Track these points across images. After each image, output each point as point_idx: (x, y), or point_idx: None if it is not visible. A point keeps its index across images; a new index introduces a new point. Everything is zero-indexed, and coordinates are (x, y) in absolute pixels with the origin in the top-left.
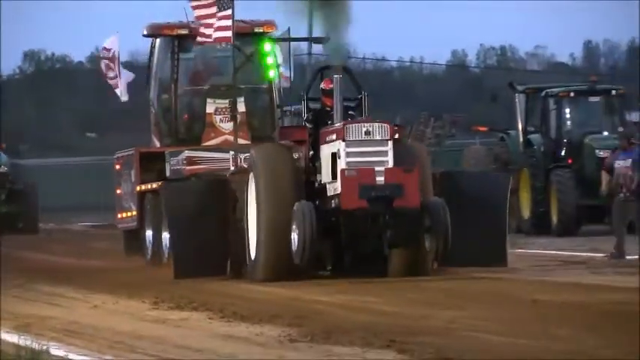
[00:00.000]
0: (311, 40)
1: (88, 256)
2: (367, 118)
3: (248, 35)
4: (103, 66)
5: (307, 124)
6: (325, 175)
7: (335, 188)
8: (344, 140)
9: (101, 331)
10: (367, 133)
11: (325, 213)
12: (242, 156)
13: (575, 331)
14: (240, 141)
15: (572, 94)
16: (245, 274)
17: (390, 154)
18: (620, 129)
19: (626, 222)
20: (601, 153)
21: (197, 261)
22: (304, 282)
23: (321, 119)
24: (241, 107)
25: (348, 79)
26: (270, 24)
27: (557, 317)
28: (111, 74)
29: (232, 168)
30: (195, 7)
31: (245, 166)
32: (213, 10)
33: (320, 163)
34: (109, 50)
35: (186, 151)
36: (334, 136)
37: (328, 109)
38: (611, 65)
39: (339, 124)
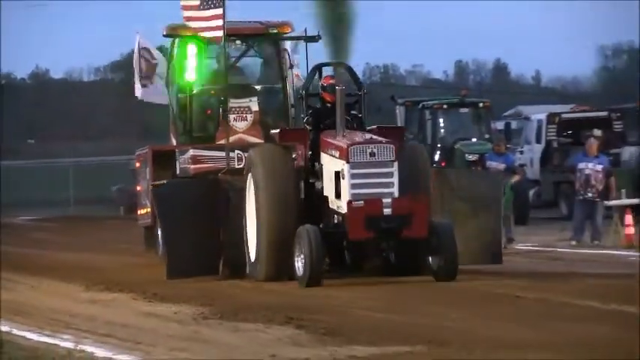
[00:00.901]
0: (305, 38)
1: (30, 245)
2: (371, 138)
3: (263, 36)
4: (141, 63)
5: (307, 126)
6: (327, 189)
7: (339, 206)
8: (348, 162)
9: (40, 309)
10: (372, 154)
11: (329, 236)
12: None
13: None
14: (254, 139)
15: (445, 106)
16: (239, 273)
17: (396, 174)
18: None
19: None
20: (470, 157)
21: (190, 261)
22: None
23: (322, 116)
24: (254, 107)
25: (348, 75)
26: (286, 25)
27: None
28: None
29: (238, 166)
30: (185, 8)
31: (237, 166)
32: (204, 12)
33: (321, 167)
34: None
35: (191, 150)
36: (337, 154)
37: (329, 104)
38: (478, 81)
39: (342, 142)
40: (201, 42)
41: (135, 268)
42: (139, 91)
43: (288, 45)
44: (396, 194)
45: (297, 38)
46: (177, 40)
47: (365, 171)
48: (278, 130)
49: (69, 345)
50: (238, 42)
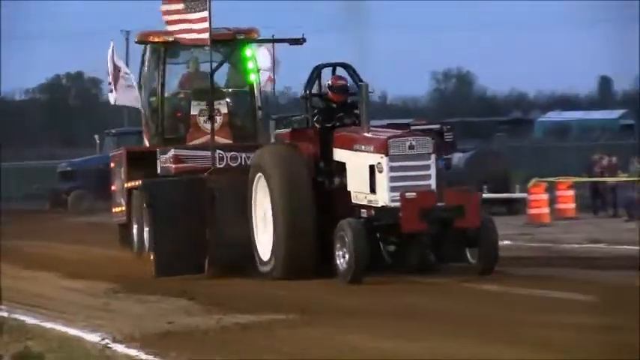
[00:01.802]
0: (289, 41)
1: None
2: (409, 131)
3: (231, 41)
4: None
5: (316, 124)
6: (354, 184)
7: (373, 200)
8: (387, 155)
9: None
10: (411, 147)
11: (373, 229)
12: (228, 155)
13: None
14: (222, 141)
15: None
16: (227, 271)
17: (433, 168)
18: None
19: None
20: None
21: (178, 259)
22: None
23: (327, 117)
24: (223, 109)
25: (347, 75)
26: (253, 30)
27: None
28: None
29: (219, 166)
30: (166, 13)
31: (220, 165)
32: (189, 15)
33: (337, 164)
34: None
35: (173, 150)
36: (371, 148)
37: (334, 105)
38: None
39: (379, 136)
40: (167, 47)
41: (57, 250)
42: (112, 95)
43: (260, 50)
44: (434, 187)
45: (282, 41)
46: (148, 46)
47: (404, 164)
48: (288, 130)
49: (4, 314)
50: (207, 48)
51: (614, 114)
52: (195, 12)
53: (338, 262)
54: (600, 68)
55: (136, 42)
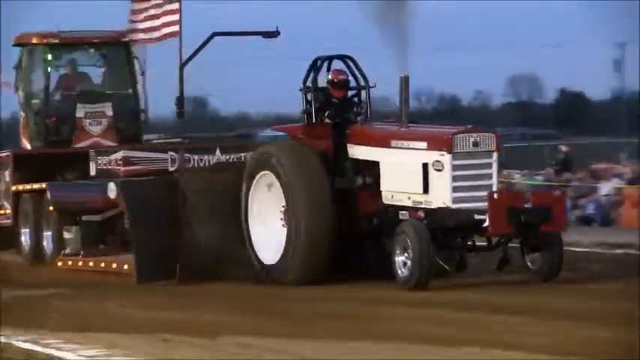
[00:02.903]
0: (262, 34)
1: None
2: (471, 127)
3: (115, 44)
4: None
5: (329, 120)
6: (397, 184)
7: (428, 202)
8: (451, 152)
9: None
10: (475, 144)
11: (435, 232)
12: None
13: None
14: (108, 143)
15: None
16: (199, 275)
17: (495, 166)
18: None
19: None
20: None
21: (159, 264)
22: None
23: (329, 112)
24: (108, 112)
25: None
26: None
27: None
28: None
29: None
30: (135, 12)
31: (188, 166)
32: (157, 10)
33: (350, 164)
34: None
35: (122, 151)
36: (424, 144)
37: (335, 100)
38: None
39: (440, 131)
40: (49, 50)
41: None
42: None
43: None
44: (495, 187)
45: (256, 33)
46: (26, 48)
47: (468, 162)
48: (300, 125)
49: None
50: (92, 50)
51: None
52: (164, 5)
53: (398, 268)
54: None
55: (13, 45)
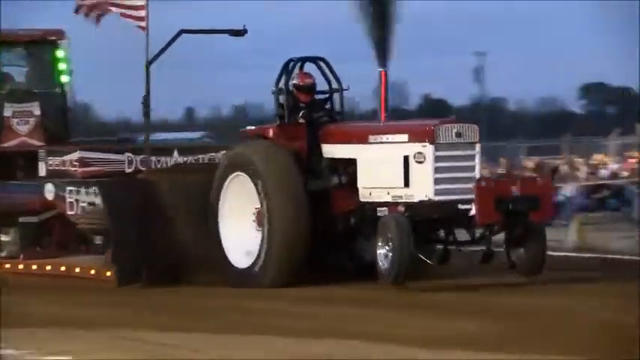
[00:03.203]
0: (230, 32)
1: None
2: (454, 118)
3: (41, 42)
4: None
5: (302, 120)
6: (375, 180)
7: (410, 195)
8: (433, 143)
9: None
10: (458, 134)
11: (418, 225)
12: (138, 158)
13: None
14: (36, 143)
15: None
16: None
17: (478, 158)
18: None
19: None
20: None
21: (139, 266)
22: None
23: (296, 115)
24: (36, 111)
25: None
26: (60, 32)
27: None
28: None
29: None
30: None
31: (145, 167)
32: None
33: (325, 164)
34: None
35: (79, 152)
36: (405, 137)
37: (302, 104)
38: None
39: (421, 123)
40: None
41: None
42: None
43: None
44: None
45: (223, 32)
46: None
47: (451, 153)
48: (274, 125)
49: None
50: (19, 49)
51: (196, 134)
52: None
53: (379, 260)
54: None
55: None
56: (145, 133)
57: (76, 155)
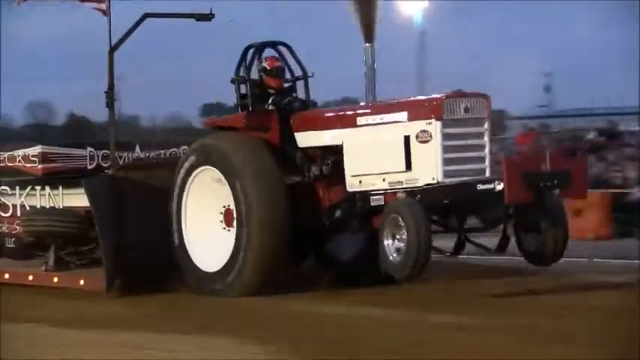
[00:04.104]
0: (196, 16)
1: None
2: (461, 91)
3: None
4: None
5: (272, 107)
6: (365, 166)
7: (413, 179)
8: (440, 119)
9: None
10: (466, 110)
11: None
12: (100, 153)
13: None
14: None
15: None
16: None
17: (487, 136)
18: None
19: None
20: None
21: (130, 269)
22: None
23: (263, 103)
24: None
25: (283, 59)
26: None
27: None
28: None
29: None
30: None
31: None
32: None
33: (301, 154)
34: None
35: (41, 147)
36: (404, 115)
37: (272, 91)
38: None
39: (426, 97)
40: None
41: None
42: None
43: None
44: (488, 159)
45: (189, 16)
46: None
47: (459, 130)
48: (243, 113)
49: None
50: None
51: None
52: None
53: (389, 254)
54: None
55: None
56: (109, 127)
57: (37, 150)
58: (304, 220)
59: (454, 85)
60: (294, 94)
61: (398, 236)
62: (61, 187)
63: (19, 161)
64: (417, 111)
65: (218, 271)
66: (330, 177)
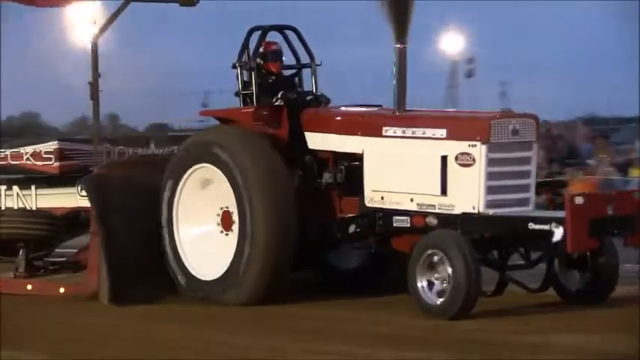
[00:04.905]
0: (179, 1)
1: None
2: (508, 111)
3: None
4: None
5: (281, 102)
6: (391, 182)
7: (449, 205)
8: (487, 142)
9: None
10: (514, 132)
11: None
12: (116, 149)
13: None
14: None
15: None
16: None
17: (535, 160)
18: None
19: None
20: None
21: (136, 278)
22: None
23: (266, 92)
24: None
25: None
26: None
27: None
28: None
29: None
30: None
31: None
32: None
33: (311, 157)
34: None
35: (57, 142)
36: (442, 132)
37: (273, 77)
38: None
39: (470, 116)
40: None
41: None
42: None
43: None
44: (533, 187)
45: (173, 0)
46: None
47: (506, 155)
48: (249, 107)
49: None
50: None
51: None
52: None
53: (424, 295)
54: None
55: None
56: (93, 122)
57: (53, 145)
58: (311, 233)
59: None
60: (300, 88)
61: (436, 274)
62: (33, 187)
63: (28, 158)
64: (459, 130)
65: (218, 278)
66: (343, 186)
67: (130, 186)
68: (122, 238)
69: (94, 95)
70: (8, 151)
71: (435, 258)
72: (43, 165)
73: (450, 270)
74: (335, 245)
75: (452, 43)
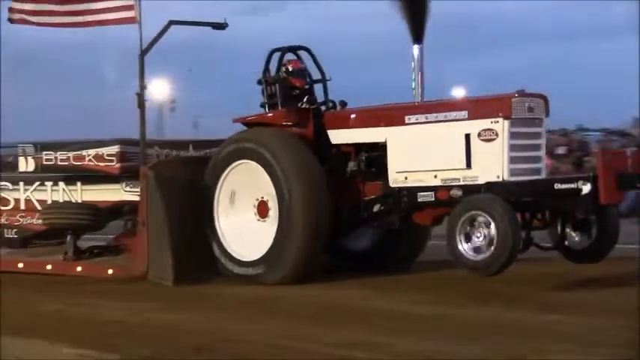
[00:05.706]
0: (212, 25)
1: None
2: (523, 91)
3: None
4: None
5: (307, 105)
6: (419, 162)
7: (473, 177)
8: (509, 118)
9: None
10: (530, 109)
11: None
12: (163, 152)
13: None
14: None
15: None
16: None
17: (544, 136)
18: None
19: None
20: None
21: (197, 261)
22: None
23: (292, 103)
24: None
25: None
26: None
27: None
28: None
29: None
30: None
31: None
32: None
33: (336, 151)
34: None
35: (119, 146)
36: (463, 114)
37: (297, 91)
38: None
39: (494, 95)
40: None
41: None
42: None
43: None
44: (544, 159)
45: (206, 24)
46: None
47: (524, 130)
48: (282, 110)
49: None
50: None
51: None
52: None
53: (465, 253)
54: None
55: None
56: (140, 127)
57: (115, 149)
58: (342, 215)
59: None
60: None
61: (479, 234)
62: (79, 184)
63: (90, 160)
64: (481, 109)
65: (257, 259)
66: (366, 173)
67: (180, 181)
68: (179, 226)
69: (141, 104)
70: (71, 154)
71: (480, 219)
72: (105, 166)
73: (494, 230)
74: (362, 224)
75: None
